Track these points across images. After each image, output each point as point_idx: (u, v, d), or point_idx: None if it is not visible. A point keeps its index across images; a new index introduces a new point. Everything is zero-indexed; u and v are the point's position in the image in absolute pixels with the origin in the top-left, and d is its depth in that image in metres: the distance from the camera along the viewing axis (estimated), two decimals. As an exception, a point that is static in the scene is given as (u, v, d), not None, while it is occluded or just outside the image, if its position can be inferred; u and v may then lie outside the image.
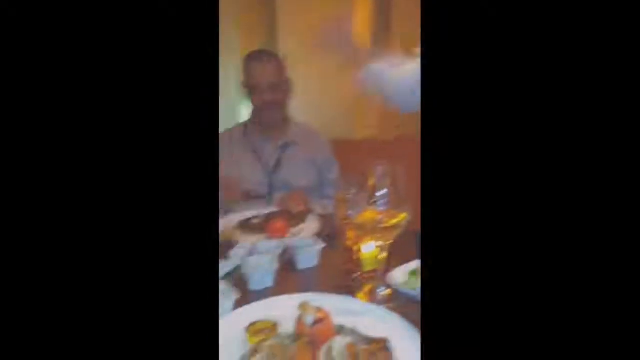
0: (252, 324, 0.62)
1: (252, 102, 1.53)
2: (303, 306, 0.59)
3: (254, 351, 0.54)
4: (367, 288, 0.79)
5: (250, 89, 1.50)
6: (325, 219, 1.23)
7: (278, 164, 1.54)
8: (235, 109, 2.39)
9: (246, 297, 0.76)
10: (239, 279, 0.83)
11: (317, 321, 0.59)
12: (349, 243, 0.96)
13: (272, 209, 1.31)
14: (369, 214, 0.75)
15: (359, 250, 0.87)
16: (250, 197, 1.37)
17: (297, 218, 1.20)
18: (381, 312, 0.67)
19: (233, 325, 0.63)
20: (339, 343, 0.56)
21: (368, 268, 0.84)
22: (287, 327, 0.61)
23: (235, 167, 1.52)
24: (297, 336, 0.57)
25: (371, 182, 0.76)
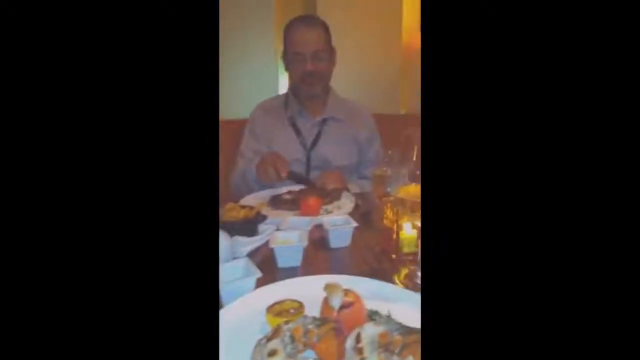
0: (275, 304, 0.56)
1: (293, 72, 1.42)
2: (330, 287, 0.52)
3: (274, 334, 0.48)
4: (404, 272, 0.71)
5: (292, 57, 1.38)
6: (361, 197, 1.15)
7: (317, 140, 1.47)
8: (274, 80, 2.32)
9: (272, 275, 0.70)
10: (265, 256, 0.78)
11: (346, 305, 0.52)
12: (386, 222, 0.87)
13: (306, 186, 1.24)
14: (411, 189, 0.66)
15: (399, 231, 0.79)
16: (290, 176, 1.28)
17: (331, 196, 1.13)
18: (419, 299, 0.58)
19: (253, 304, 0.57)
20: (370, 331, 0.49)
21: (406, 250, 0.76)
22: (314, 310, 0.54)
23: (272, 139, 1.45)
24: (322, 320, 0.50)
25: (415, 157, 0.68)
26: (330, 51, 1.42)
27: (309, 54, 1.35)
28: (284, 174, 1.20)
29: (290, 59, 1.40)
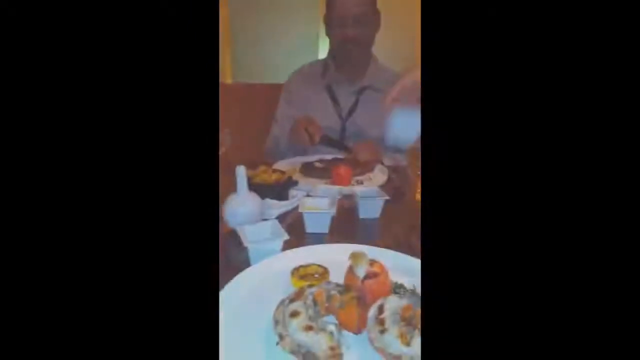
0: (300, 267, 0.57)
1: (333, 37, 1.35)
2: (355, 256, 0.52)
3: (297, 296, 0.49)
4: (434, 248, 0.69)
5: (333, 21, 1.32)
6: (395, 170, 1.12)
7: (353, 109, 1.43)
8: (315, 44, 2.27)
9: (299, 239, 0.71)
10: (294, 220, 0.79)
11: (371, 275, 0.51)
12: (419, 198, 0.85)
13: (340, 154, 1.23)
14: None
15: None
16: (323, 140, 1.27)
17: (364, 167, 1.11)
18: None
19: (279, 266, 0.58)
20: (394, 303, 0.48)
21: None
22: (339, 277, 0.54)
23: (307, 107, 1.43)
24: (345, 287, 0.50)
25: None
26: (374, 15, 1.34)
27: (351, 18, 1.28)
28: (317, 138, 1.19)
29: (331, 22, 1.34)
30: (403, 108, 0.70)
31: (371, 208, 0.83)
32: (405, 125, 0.70)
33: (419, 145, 0.94)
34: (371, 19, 1.32)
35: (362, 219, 0.83)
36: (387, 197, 0.83)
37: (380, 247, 0.65)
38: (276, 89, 1.59)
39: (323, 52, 2.32)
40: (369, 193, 0.85)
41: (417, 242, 0.74)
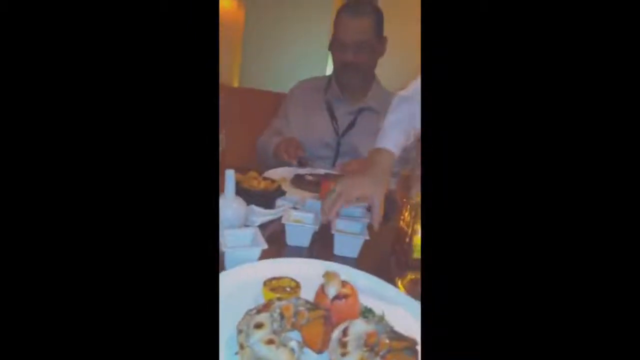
0: (273, 279, 0.57)
1: (334, 59, 1.40)
2: (328, 275, 0.52)
3: (264, 307, 0.49)
4: (409, 277, 0.69)
5: (335, 44, 1.35)
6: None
7: (350, 128, 1.45)
8: (324, 60, 2.32)
9: (278, 251, 0.71)
10: (276, 230, 0.79)
11: (341, 296, 0.51)
12: (402, 224, 0.85)
13: (331, 170, 1.24)
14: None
15: (412, 235, 0.77)
16: (302, 163, 1.32)
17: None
18: (418, 307, 0.57)
19: (253, 275, 0.58)
20: (359, 327, 0.48)
21: (416, 256, 0.74)
22: (311, 293, 0.54)
23: (306, 119, 1.45)
24: (314, 305, 0.50)
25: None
26: (378, 41, 1.36)
27: (352, 44, 1.31)
28: (293, 160, 1.29)
29: (333, 45, 1.37)
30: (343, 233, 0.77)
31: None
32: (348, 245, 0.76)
33: (410, 171, 0.95)
34: (373, 45, 1.35)
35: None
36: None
37: (357, 269, 0.65)
38: (280, 97, 1.61)
39: (331, 68, 2.38)
40: (355, 213, 0.86)
41: (395, 268, 0.74)
